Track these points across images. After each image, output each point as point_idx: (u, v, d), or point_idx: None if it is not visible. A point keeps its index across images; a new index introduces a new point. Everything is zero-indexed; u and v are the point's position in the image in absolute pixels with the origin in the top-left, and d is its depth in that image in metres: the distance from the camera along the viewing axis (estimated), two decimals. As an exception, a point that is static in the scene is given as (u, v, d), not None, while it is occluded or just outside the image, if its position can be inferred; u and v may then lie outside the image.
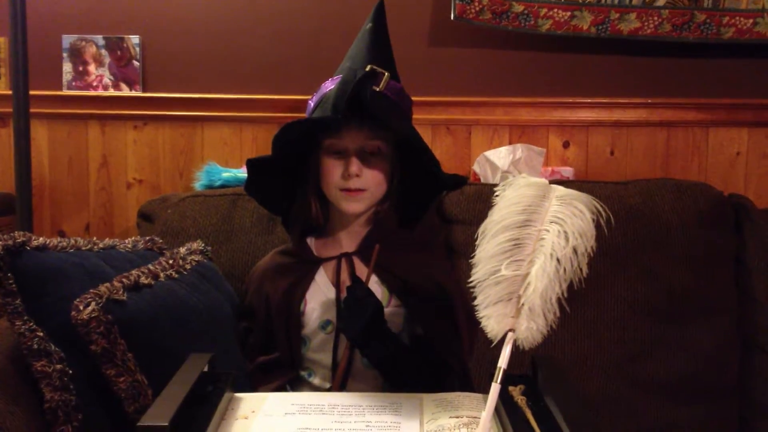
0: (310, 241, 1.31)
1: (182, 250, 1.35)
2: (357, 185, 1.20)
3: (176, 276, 1.22)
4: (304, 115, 1.27)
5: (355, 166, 1.18)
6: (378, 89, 1.16)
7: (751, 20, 1.93)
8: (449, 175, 1.24)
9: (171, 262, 1.25)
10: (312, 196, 1.27)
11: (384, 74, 1.17)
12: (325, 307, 1.23)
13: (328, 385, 1.21)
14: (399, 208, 1.28)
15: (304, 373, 1.25)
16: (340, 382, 1.18)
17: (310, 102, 1.25)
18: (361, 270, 1.23)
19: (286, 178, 1.28)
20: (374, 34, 1.24)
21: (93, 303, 1.00)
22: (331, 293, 1.23)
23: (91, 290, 1.02)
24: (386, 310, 1.19)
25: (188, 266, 1.28)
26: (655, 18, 1.93)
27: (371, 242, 1.23)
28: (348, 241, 1.28)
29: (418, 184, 1.25)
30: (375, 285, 1.22)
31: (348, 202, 1.22)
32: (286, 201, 1.30)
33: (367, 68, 1.17)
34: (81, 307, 1.00)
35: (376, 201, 1.25)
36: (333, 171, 1.21)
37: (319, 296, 1.24)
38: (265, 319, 1.27)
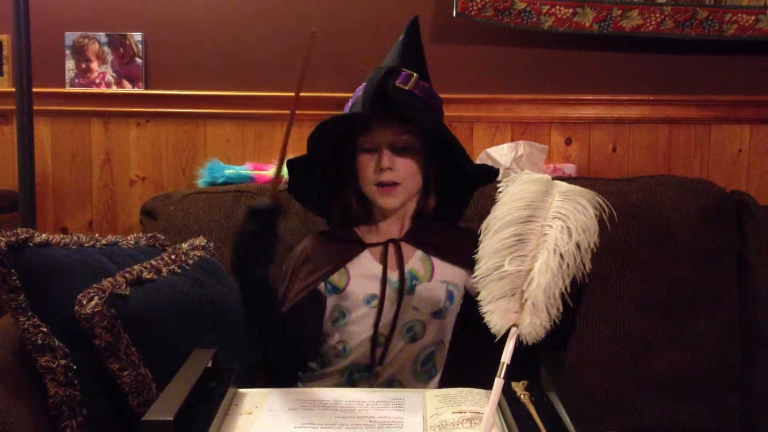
0: (356, 228, 1.34)
1: (184, 245, 1.36)
2: (389, 178, 1.22)
3: (179, 271, 1.22)
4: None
5: (386, 158, 1.21)
6: (406, 87, 1.20)
7: (753, 17, 1.93)
8: (478, 166, 1.28)
9: (173, 257, 1.26)
10: (353, 194, 1.30)
11: (413, 75, 1.21)
12: (370, 283, 1.25)
13: (366, 361, 1.22)
14: (438, 203, 1.31)
15: (339, 347, 1.25)
16: (379, 356, 1.21)
17: (346, 105, 1.29)
18: (409, 254, 1.26)
19: (329, 177, 1.31)
20: (406, 43, 1.29)
21: (96, 297, 1.00)
22: (378, 270, 1.25)
23: (95, 285, 1.02)
24: (428, 285, 1.23)
25: (191, 261, 1.28)
26: (658, 15, 1.93)
27: (418, 229, 1.28)
28: (393, 228, 1.30)
29: (453, 178, 1.28)
30: (418, 262, 1.26)
31: (383, 197, 1.25)
32: (328, 200, 1.33)
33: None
34: (84, 302, 1.00)
35: (411, 195, 1.27)
36: (366, 166, 1.24)
37: (365, 272, 1.26)
38: (301, 299, 1.27)
